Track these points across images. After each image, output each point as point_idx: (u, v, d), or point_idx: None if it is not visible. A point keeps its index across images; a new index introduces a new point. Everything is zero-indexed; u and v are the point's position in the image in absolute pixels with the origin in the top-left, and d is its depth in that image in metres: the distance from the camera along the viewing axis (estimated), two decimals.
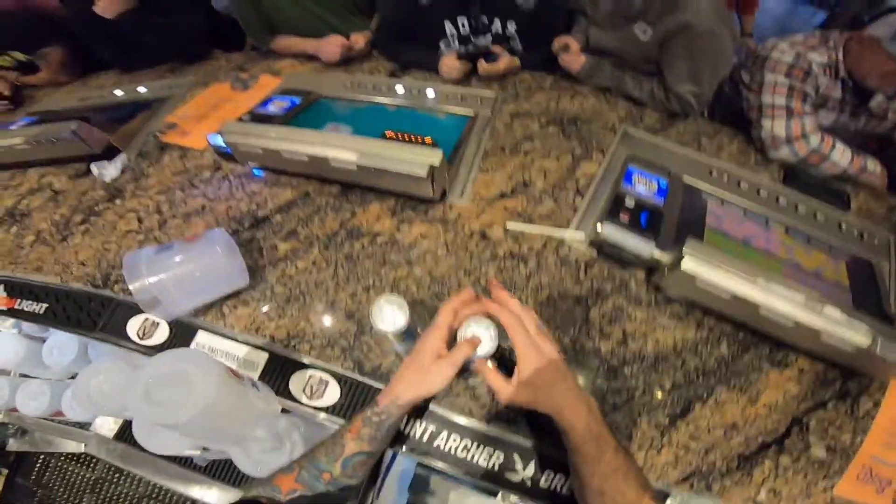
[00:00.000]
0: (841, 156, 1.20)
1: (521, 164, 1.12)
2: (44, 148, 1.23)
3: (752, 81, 1.27)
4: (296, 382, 0.83)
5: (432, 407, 0.79)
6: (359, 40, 1.45)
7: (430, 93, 1.28)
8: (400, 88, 1.31)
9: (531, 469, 0.75)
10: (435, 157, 0.87)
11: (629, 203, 0.99)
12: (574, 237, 1.00)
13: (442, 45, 1.39)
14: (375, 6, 1.56)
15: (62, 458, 1.67)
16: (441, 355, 0.65)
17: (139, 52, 1.56)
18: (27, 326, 1.20)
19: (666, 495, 0.73)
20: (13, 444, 1.34)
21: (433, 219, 1.01)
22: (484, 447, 0.76)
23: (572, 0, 1.48)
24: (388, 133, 0.93)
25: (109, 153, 1.25)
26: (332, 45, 1.42)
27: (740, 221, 1.10)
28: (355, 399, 0.81)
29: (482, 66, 1.29)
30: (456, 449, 0.76)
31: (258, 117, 1.21)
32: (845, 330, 0.78)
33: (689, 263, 0.82)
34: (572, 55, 1.34)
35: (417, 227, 1.00)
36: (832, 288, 0.99)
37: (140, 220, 1.10)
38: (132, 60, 1.60)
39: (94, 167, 1.21)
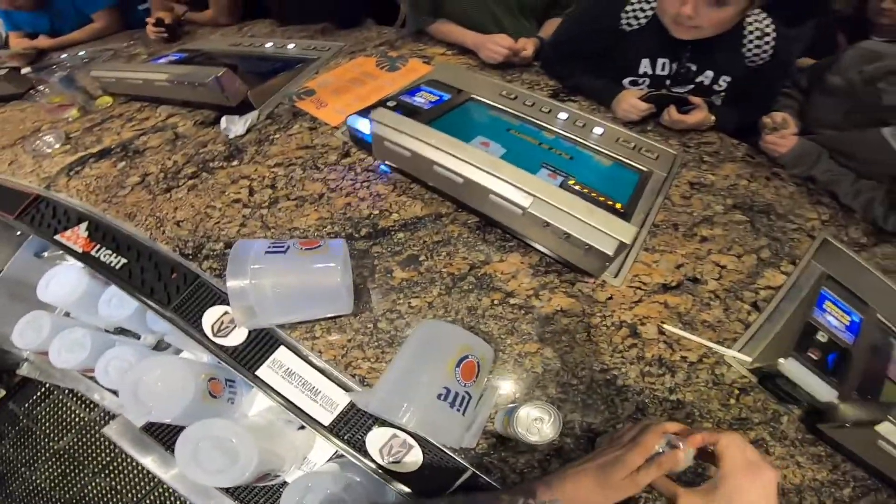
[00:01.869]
0: None
1: (695, 253, 0.91)
2: (183, 89, 1.15)
3: None
4: (375, 438, 0.71)
5: None
6: (528, 46, 1.26)
7: (599, 130, 1.08)
8: (563, 115, 1.11)
9: None
10: (628, 233, 0.69)
11: (822, 337, 0.80)
12: (737, 358, 0.80)
13: (626, 81, 1.17)
14: (552, 10, 1.36)
15: (65, 392, 1.66)
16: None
17: (299, 6, 1.46)
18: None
19: None
20: (25, 369, 1.30)
21: (580, 294, 0.83)
22: None
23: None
24: (573, 183, 0.74)
25: (242, 108, 1.16)
26: (497, 45, 1.24)
27: None
28: (436, 472, 0.68)
29: (671, 113, 1.07)
30: None
31: (404, 107, 1.07)
32: None
33: (889, 428, 0.69)
34: (783, 135, 1.08)
35: (560, 298, 0.82)
36: None
37: (251, 192, 1.00)
38: (290, 13, 1.52)
39: (223, 120, 1.13)
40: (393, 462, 0.70)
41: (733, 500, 0.46)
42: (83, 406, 1.66)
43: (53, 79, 1.41)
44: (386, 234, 0.90)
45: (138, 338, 1.17)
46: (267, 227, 0.93)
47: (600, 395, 0.74)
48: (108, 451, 1.59)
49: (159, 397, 0.79)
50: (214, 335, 0.80)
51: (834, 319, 0.84)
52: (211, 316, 0.82)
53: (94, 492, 1.56)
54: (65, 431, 1.65)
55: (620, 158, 1.04)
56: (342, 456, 0.76)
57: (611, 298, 0.83)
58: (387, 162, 0.99)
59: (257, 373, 0.76)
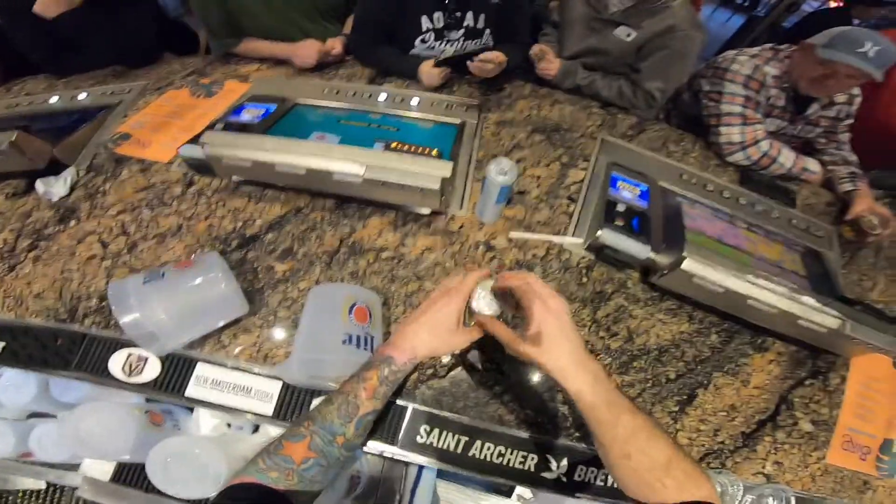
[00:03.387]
0: (786, 159, 1.35)
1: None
2: None
3: (712, 91, 1.38)
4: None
5: (462, 418, 0.81)
6: (336, 45, 1.40)
7: (415, 101, 1.27)
8: (383, 96, 1.27)
9: (564, 465, 0.80)
10: (445, 168, 0.87)
11: (621, 208, 1.04)
12: (573, 242, 1.04)
13: (417, 42, 1.38)
14: (350, 10, 1.51)
15: (20, 495, 1.46)
16: (460, 320, 0.67)
17: (78, 54, 1.38)
18: None
19: None
20: None
21: (437, 231, 1.01)
22: (517, 451, 0.80)
23: (537, 8, 1.54)
24: (395, 144, 0.90)
25: (54, 168, 1.10)
26: (308, 49, 1.35)
27: (711, 221, 1.19)
28: (382, 420, 0.80)
29: (471, 67, 1.28)
30: (490, 456, 0.80)
31: (232, 126, 1.12)
32: (819, 314, 0.90)
33: (689, 264, 0.91)
34: (548, 61, 1.39)
35: (422, 240, 0.99)
36: (794, 277, 1.11)
37: (104, 245, 0.99)
38: (69, 64, 1.42)
39: (38, 184, 1.07)
40: None
41: (541, 330, 0.58)
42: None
43: None
44: (256, 240, 0.98)
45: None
46: (135, 271, 0.94)
47: None
48: None
49: (104, 439, 0.80)
50: (129, 377, 0.82)
51: (627, 193, 1.11)
52: (117, 362, 0.84)
53: None
54: None
55: (438, 118, 1.24)
56: None
57: (462, 227, 1.02)
58: (233, 177, 1.05)
59: (186, 394, 0.81)
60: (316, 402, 0.80)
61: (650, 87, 1.38)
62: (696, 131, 1.45)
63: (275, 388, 0.82)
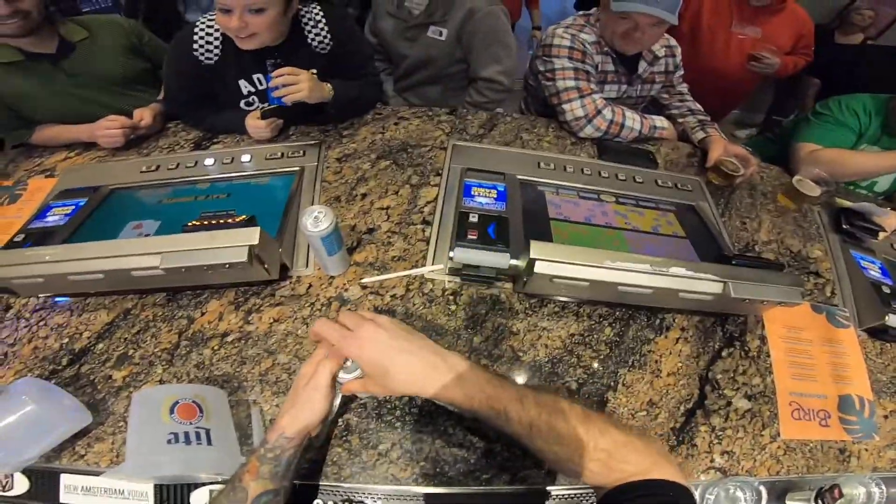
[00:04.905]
0: (633, 121, 1.40)
1: (361, 209, 1.12)
2: None
3: (546, 70, 1.41)
4: (198, 500, 0.77)
5: (355, 485, 0.77)
6: (144, 115, 1.29)
7: (246, 157, 1.20)
8: (209, 160, 1.20)
9: None
10: (252, 235, 0.82)
11: (473, 219, 1.01)
12: (433, 270, 1.02)
13: (242, 104, 1.31)
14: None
15: None
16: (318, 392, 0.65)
17: None
18: None
19: None
20: None
21: (283, 299, 0.97)
22: None
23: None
24: (191, 223, 0.84)
25: None
26: (108, 128, 1.24)
27: (577, 203, 1.22)
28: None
29: (280, 92, 1.17)
30: None
31: (35, 234, 1.02)
32: (696, 282, 0.89)
33: (539, 266, 0.89)
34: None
35: (268, 312, 0.95)
36: (673, 240, 1.14)
37: None
38: None
39: None
40: None
41: (374, 367, 0.57)
42: None
43: None
44: (87, 352, 0.90)
45: None
46: None
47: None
48: None
49: None
50: (3, 491, 0.78)
51: (483, 199, 1.09)
52: None
53: None
54: None
55: (275, 170, 1.19)
56: None
57: (311, 286, 0.98)
58: (41, 295, 0.95)
59: (61, 503, 0.77)
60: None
61: (488, 74, 1.40)
62: (551, 114, 1.48)
63: (148, 486, 0.77)
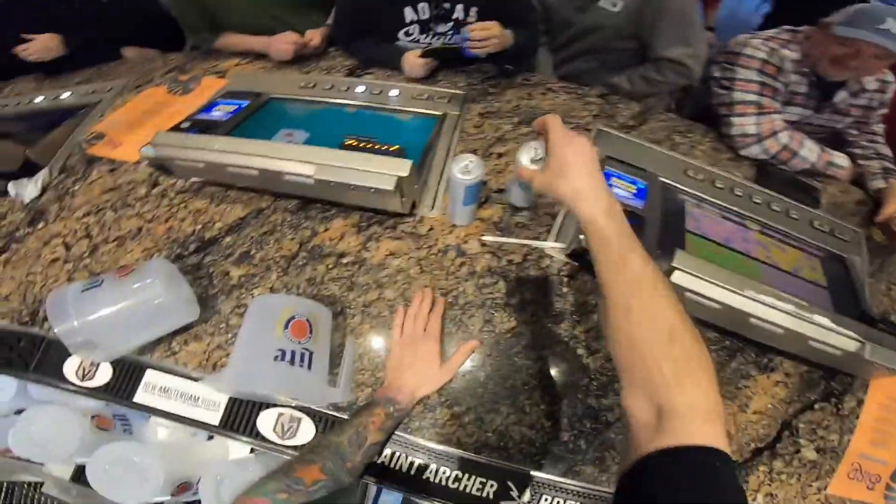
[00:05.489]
0: (809, 152, 1.23)
1: (495, 168, 1.08)
2: None
3: (723, 77, 1.27)
4: (265, 421, 0.79)
5: (417, 439, 0.77)
6: (314, 37, 1.37)
7: (394, 92, 1.22)
8: (360, 88, 1.23)
9: (527, 495, 0.74)
10: (403, 167, 0.82)
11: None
12: (554, 248, 0.97)
13: (401, 34, 1.33)
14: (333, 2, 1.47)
15: (26, 486, 1.53)
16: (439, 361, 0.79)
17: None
18: None
19: None
20: None
21: (403, 234, 0.96)
22: (476, 476, 0.75)
23: None
24: (349, 141, 0.86)
25: (29, 170, 1.12)
26: (283, 42, 1.33)
27: (718, 222, 1.10)
28: None
29: (473, 42, 1.20)
30: (447, 480, 0.75)
31: (200, 124, 1.11)
32: (834, 336, 0.80)
33: (679, 277, 0.81)
34: None
35: (386, 244, 0.94)
36: (810, 287, 1.01)
37: (67, 247, 0.99)
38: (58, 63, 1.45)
39: (10, 187, 1.08)
40: (289, 437, 0.77)
41: (559, 158, 0.56)
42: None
43: None
44: (214, 243, 0.96)
45: None
46: (94, 275, 0.93)
47: (448, 318, 0.86)
48: None
49: (49, 442, 0.85)
50: (82, 381, 0.83)
51: (621, 191, 1.03)
52: (71, 365, 0.84)
53: None
54: None
55: (418, 111, 1.19)
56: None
57: (431, 230, 0.97)
58: (193, 179, 1.03)
59: (135, 399, 0.81)
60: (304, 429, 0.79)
61: (675, 55, 1.29)
62: (710, 122, 1.34)
63: (222, 398, 0.80)
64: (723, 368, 0.87)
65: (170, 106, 1.26)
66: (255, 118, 1.15)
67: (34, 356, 0.86)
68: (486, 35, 1.19)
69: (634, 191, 1.04)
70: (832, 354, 0.82)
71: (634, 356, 0.46)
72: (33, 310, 0.91)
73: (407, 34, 1.33)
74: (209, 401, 0.80)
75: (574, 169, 0.56)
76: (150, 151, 0.98)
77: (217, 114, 1.15)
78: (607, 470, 0.76)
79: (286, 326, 0.71)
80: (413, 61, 1.25)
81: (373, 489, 0.81)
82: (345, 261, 0.92)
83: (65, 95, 1.37)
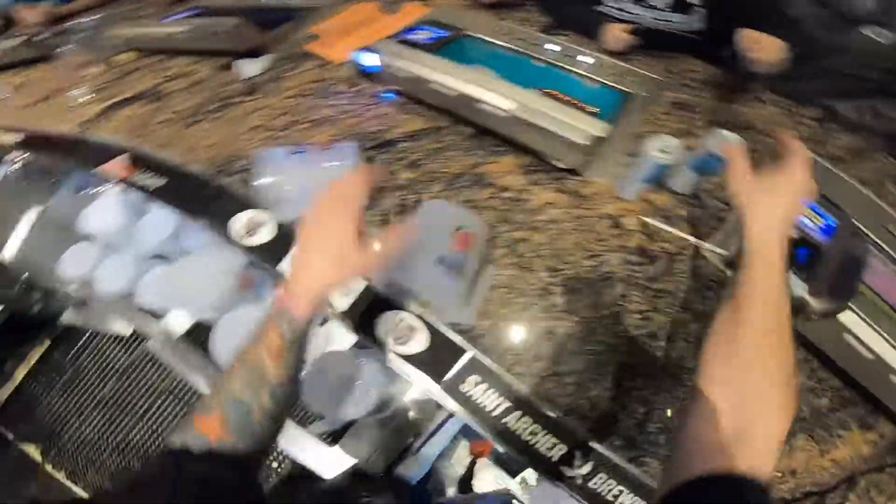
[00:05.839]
0: None
1: None
2: (202, 38, 1.30)
3: None
4: (384, 322, 0.81)
5: (513, 381, 0.77)
6: None
7: (587, 59, 1.20)
8: (554, 46, 1.23)
9: (587, 468, 0.73)
10: (599, 128, 0.81)
11: (801, 234, 0.88)
12: (714, 252, 0.91)
13: (608, 1, 1.29)
14: None
15: (105, 339, 1.65)
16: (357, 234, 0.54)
17: None
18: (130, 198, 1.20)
19: None
20: (68, 316, 1.39)
21: (567, 189, 0.95)
22: (552, 436, 0.74)
23: None
24: (551, 91, 0.87)
25: (254, 53, 1.30)
26: None
27: None
28: (440, 355, 0.78)
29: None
30: (522, 431, 0.75)
31: (404, 42, 1.19)
32: None
33: (849, 317, 0.80)
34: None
35: (548, 193, 0.95)
36: None
37: (270, 119, 1.13)
38: None
39: (238, 63, 1.27)
40: (400, 343, 0.80)
41: (780, 182, 0.55)
42: (123, 350, 1.76)
43: (72, 42, 1.57)
44: (392, 144, 1.03)
45: None
46: (287, 144, 1.05)
47: (586, 281, 0.86)
48: (147, 394, 1.71)
49: (194, 290, 0.92)
50: (243, 237, 0.90)
51: (808, 221, 0.94)
52: (240, 220, 0.92)
53: (139, 437, 1.67)
54: (107, 378, 1.76)
55: (606, 82, 1.16)
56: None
57: (595, 194, 0.95)
58: (391, 87, 1.11)
59: (278, 267, 0.87)
60: None
61: None
62: None
63: (361, 286, 0.83)
64: (828, 415, 0.80)
65: (377, 21, 1.38)
66: (450, 49, 1.21)
67: (213, 204, 0.96)
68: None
69: (822, 224, 0.93)
70: None
71: (735, 373, 0.46)
72: (228, 162, 1.04)
73: (616, 4, 1.29)
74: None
75: (785, 195, 0.54)
76: (366, 57, 1.08)
77: (420, 36, 1.23)
78: None
79: (453, 235, 0.75)
80: (616, 35, 1.22)
81: (443, 414, 0.82)
82: (505, 195, 0.94)
83: None
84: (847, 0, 1.16)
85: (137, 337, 1.38)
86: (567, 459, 0.73)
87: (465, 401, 0.76)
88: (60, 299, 1.41)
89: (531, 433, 0.74)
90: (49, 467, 1.66)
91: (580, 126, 0.83)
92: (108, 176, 1.07)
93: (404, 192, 0.95)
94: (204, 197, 0.98)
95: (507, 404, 0.76)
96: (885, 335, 0.77)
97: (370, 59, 1.12)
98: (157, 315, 1.07)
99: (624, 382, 0.78)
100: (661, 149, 0.82)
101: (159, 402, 1.67)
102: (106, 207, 1.16)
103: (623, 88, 1.15)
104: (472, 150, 1.01)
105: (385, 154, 1.01)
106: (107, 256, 1.14)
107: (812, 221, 0.94)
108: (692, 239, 0.91)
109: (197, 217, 0.95)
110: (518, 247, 0.88)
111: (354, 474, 0.84)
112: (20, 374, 1.77)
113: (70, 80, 1.43)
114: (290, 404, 0.54)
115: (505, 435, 0.75)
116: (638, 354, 0.80)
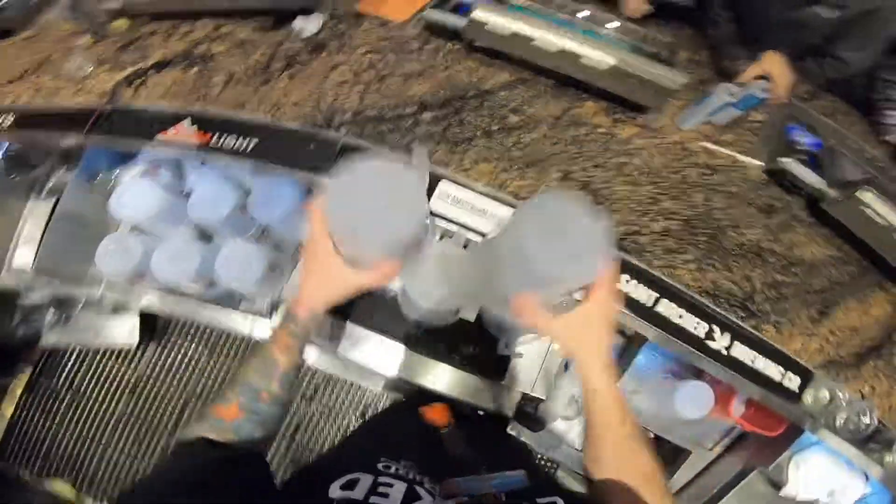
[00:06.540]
0: None
1: None
2: None
3: (890, 79, 1.49)
4: None
5: (657, 274, 0.94)
6: None
7: (614, 24, 1.42)
8: (584, 13, 1.42)
9: (727, 339, 0.92)
10: (680, 77, 1.04)
11: (799, 149, 1.22)
12: (754, 163, 1.19)
13: None
14: None
15: (100, 355, 1.61)
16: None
17: None
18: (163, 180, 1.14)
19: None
20: (50, 338, 1.26)
21: (642, 124, 1.17)
22: (693, 316, 0.92)
23: None
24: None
25: (303, 11, 1.29)
26: None
27: None
28: None
29: None
30: (672, 316, 0.92)
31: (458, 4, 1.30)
32: None
33: (865, 195, 1.09)
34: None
35: (630, 128, 1.15)
36: None
37: (356, 74, 1.17)
38: None
39: (298, 20, 1.27)
40: None
41: (589, 317, 0.57)
42: (125, 364, 1.63)
43: (56, 8, 1.41)
44: (490, 94, 1.16)
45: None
46: (385, 97, 1.12)
47: (680, 188, 1.09)
48: (168, 402, 1.62)
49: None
50: None
51: (806, 139, 1.25)
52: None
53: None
54: (119, 395, 1.62)
55: (636, 43, 1.39)
56: None
57: (663, 127, 1.18)
58: (477, 42, 1.22)
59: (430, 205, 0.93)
60: None
61: (843, 55, 1.49)
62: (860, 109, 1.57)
63: (504, 212, 0.93)
64: (858, 280, 1.10)
65: None
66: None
67: (329, 160, 0.95)
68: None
69: (813, 142, 1.26)
70: None
71: (619, 477, 0.54)
72: (328, 116, 1.08)
73: None
74: (492, 214, 0.93)
75: (599, 324, 0.58)
76: (440, 14, 1.22)
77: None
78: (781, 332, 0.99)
79: None
80: (635, 4, 1.46)
81: None
82: (600, 130, 1.13)
83: None
84: None
85: (141, 347, 1.35)
86: (708, 335, 0.91)
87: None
88: (35, 322, 1.26)
89: (679, 317, 0.91)
90: (89, 501, 1.55)
91: (669, 76, 1.06)
92: (178, 142, 1.01)
93: (519, 132, 1.08)
94: (313, 154, 0.97)
95: (656, 295, 0.92)
96: None
97: (447, 18, 1.22)
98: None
99: (729, 261, 1.01)
100: (728, 93, 1.08)
101: (188, 406, 1.61)
102: (141, 190, 1.05)
103: (650, 49, 1.39)
104: (559, 97, 1.18)
105: (489, 102, 1.13)
106: (159, 243, 1.06)
107: (809, 140, 1.26)
108: (738, 155, 1.19)
109: (319, 172, 0.93)
110: (623, 168, 1.07)
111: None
112: (7, 409, 1.58)
113: (54, 53, 1.29)
114: (293, 394, 0.66)
115: (659, 322, 0.90)
116: (729, 239, 1.04)
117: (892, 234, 1.07)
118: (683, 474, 1.14)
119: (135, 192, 1.05)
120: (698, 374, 1.03)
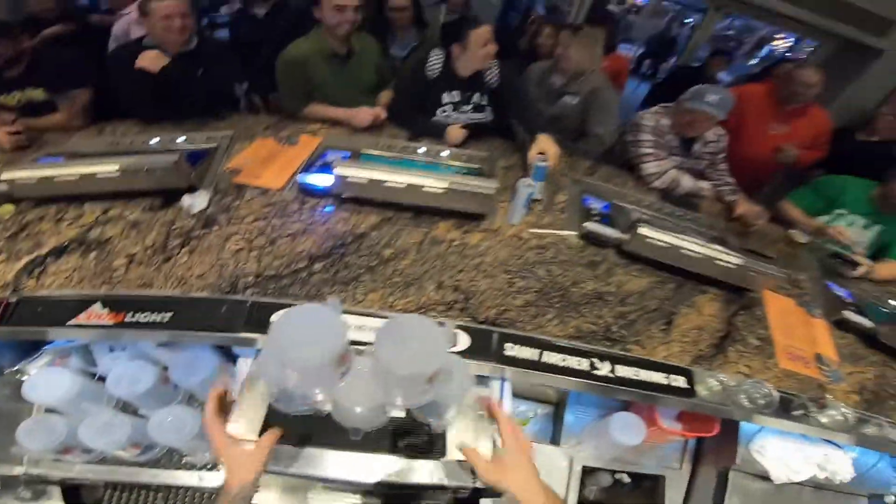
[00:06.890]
0: (686, 182, 2.09)
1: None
2: (136, 177, 1.43)
3: (632, 140, 2.13)
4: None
5: (539, 337, 1.28)
6: (381, 112, 1.99)
7: (445, 152, 1.86)
8: (422, 148, 1.85)
9: (608, 366, 1.19)
10: (495, 183, 1.45)
11: (595, 213, 1.71)
12: (569, 234, 1.63)
13: (439, 112, 2.03)
14: (382, 87, 2.13)
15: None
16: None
17: (173, 103, 1.82)
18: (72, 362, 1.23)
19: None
20: None
21: (484, 229, 1.56)
22: (573, 356, 1.19)
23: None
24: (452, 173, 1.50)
25: (189, 189, 1.49)
26: (365, 114, 1.94)
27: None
28: (481, 342, 1.19)
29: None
30: (557, 362, 1.17)
31: (327, 164, 1.62)
32: (727, 256, 1.48)
33: (643, 230, 1.52)
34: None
35: (476, 235, 1.53)
36: None
37: (249, 241, 1.38)
38: (162, 111, 1.86)
39: (186, 198, 1.45)
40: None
41: (506, 464, 0.73)
42: None
43: None
44: (364, 236, 1.45)
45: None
46: (278, 257, 1.33)
47: (527, 268, 1.45)
48: None
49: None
50: None
51: (595, 204, 1.77)
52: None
53: None
54: None
55: (465, 165, 1.84)
56: None
57: (500, 227, 1.58)
58: (344, 194, 1.52)
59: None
60: None
61: (598, 131, 2.13)
62: (625, 169, 2.19)
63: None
64: (678, 292, 1.50)
65: (283, 153, 1.74)
66: (360, 162, 1.70)
67: (241, 318, 1.12)
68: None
69: (603, 205, 1.79)
70: (730, 268, 1.46)
71: None
72: (232, 282, 1.24)
73: (444, 112, 2.02)
74: None
75: (521, 469, 0.71)
76: (313, 178, 1.51)
77: (331, 158, 1.67)
78: (644, 346, 1.27)
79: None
80: (455, 133, 1.93)
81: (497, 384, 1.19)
82: (455, 243, 1.48)
83: (180, 139, 1.77)
84: (551, 82, 2.13)
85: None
86: (592, 366, 1.18)
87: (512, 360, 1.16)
88: None
89: (562, 360, 1.17)
90: None
91: (486, 185, 1.45)
92: (92, 325, 1.09)
93: (395, 263, 1.38)
94: (226, 315, 1.12)
95: (538, 350, 1.19)
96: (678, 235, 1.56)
97: (317, 180, 1.52)
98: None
99: (581, 309, 1.36)
100: (526, 185, 1.50)
101: None
102: (54, 378, 1.10)
103: (472, 165, 1.84)
104: (418, 225, 1.52)
105: (366, 243, 1.42)
106: (83, 418, 1.10)
107: (596, 204, 1.77)
108: (560, 232, 1.62)
109: (235, 332, 1.09)
110: (480, 266, 1.42)
111: None
112: None
113: None
114: None
115: (547, 368, 1.14)
116: (574, 294, 1.41)
117: (676, 250, 1.49)
118: (673, 498, 1.34)
119: (48, 380, 1.09)
120: (626, 408, 1.27)
